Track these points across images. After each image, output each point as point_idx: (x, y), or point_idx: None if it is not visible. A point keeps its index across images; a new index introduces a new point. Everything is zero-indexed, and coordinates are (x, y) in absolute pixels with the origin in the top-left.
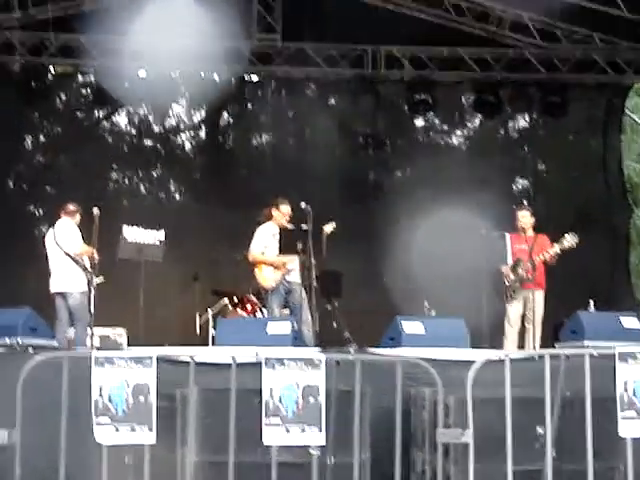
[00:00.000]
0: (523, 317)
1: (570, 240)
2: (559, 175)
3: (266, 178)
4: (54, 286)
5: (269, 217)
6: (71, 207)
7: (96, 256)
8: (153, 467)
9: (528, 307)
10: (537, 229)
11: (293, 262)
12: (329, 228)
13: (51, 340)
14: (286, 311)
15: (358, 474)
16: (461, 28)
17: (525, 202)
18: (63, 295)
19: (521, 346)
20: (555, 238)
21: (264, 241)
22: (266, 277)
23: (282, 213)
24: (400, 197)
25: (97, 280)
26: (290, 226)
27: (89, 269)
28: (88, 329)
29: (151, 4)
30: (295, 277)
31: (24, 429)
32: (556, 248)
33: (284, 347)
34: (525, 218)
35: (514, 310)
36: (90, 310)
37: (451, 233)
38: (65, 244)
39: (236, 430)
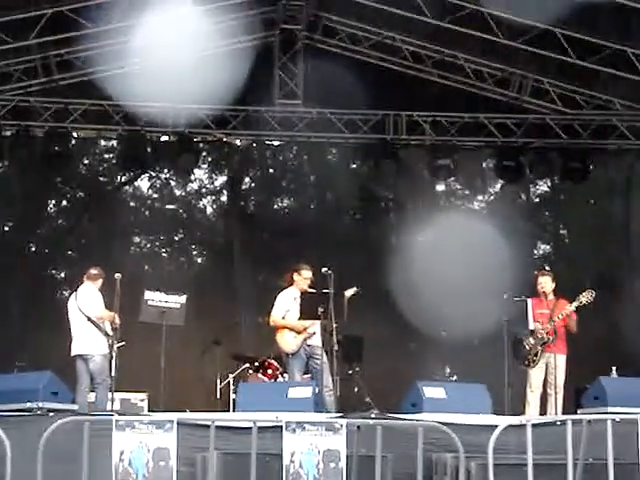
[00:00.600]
0: (545, 382)
1: (586, 296)
2: (580, 240)
3: (287, 242)
4: (75, 349)
5: (290, 282)
6: (93, 272)
7: (117, 320)
8: None
9: (550, 372)
10: (557, 294)
11: (314, 326)
12: (350, 292)
13: (72, 404)
14: (307, 376)
15: None
16: (482, 93)
17: (546, 267)
18: (84, 358)
19: (543, 412)
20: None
21: (285, 305)
22: (287, 341)
23: (303, 278)
24: (421, 261)
25: (118, 344)
26: (311, 290)
27: (110, 333)
28: (109, 393)
29: (173, 69)
30: (317, 341)
31: None
32: (573, 306)
33: (306, 412)
34: (546, 283)
35: (536, 375)
36: (111, 374)
37: (472, 298)
38: (87, 308)
39: None
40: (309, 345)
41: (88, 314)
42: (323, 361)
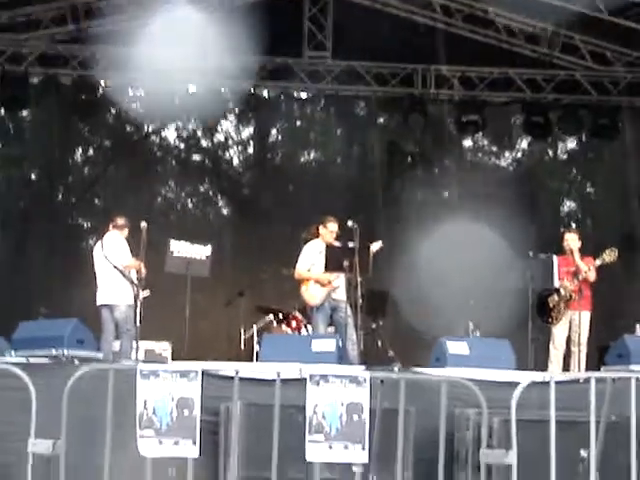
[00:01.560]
0: (568, 339)
1: (610, 255)
2: (607, 198)
3: (313, 195)
4: (101, 298)
5: (316, 235)
6: (120, 221)
7: (143, 270)
8: None
9: (573, 329)
10: (583, 251)
11: (339, 279)
12: (376, 247)
13: (97, 352)
14: (331, 329)
15: None
16: (512, 49)
17: (573, 225)
18: (110, 307)
19: (566, 369)
20: None
21: (311, 258)
22: (312, 294)
23: (329, 231)
24: (447, 218)
25: (143, 293)
26: (337, 243)
27: (136, 282)
28: (133, 342)
29: (204, 20)
30: (341, 295)
31: (69, 440)
32: (596, 263)
33: (329, 364)
34: (573, 241)
35: (559, 332)
36: (136, 323)
37: (498, 254)
38: (113, 257)
39: (279, 446)
40: (334, 299)
41: (114, 263)
42: (348, 315)
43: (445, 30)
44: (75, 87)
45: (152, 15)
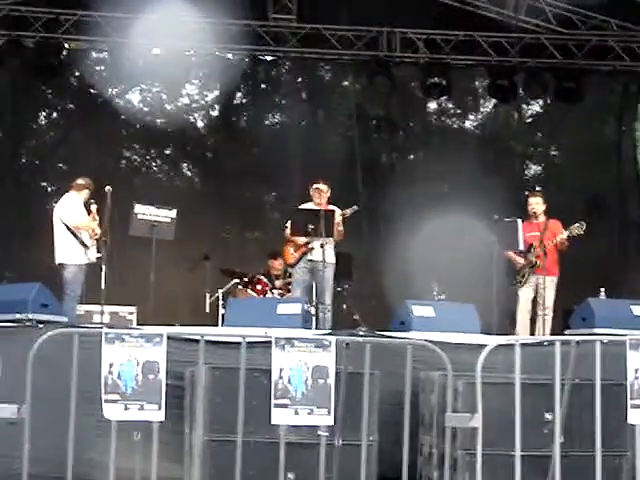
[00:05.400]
0: (534, 303)
1: (578, 227)
2: (572, 162)
3: (278, 158)
4: (56, 258)
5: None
6: (79, 181)
7: (97, 231)
8: (162, 444)
9: (539, 293)
10: (549, 215)
11: (316, 241)
12: (349, 211)
13: (61, 316)
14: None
15: (365, 456)
16: (477, 12)
17: (537, 188)
18: (62, 266)
19: (532, 332)
20: (566, 225)
21: None
22: (289, 254)
23: (314, 189)
24: (412, 181)
25: (94, 256)
26: (302, 207)
27: (87, 244)
28: (76, 304)
29: None
30: (317, 256)
31: (34, 404)
32: (564, 235)
33: (294, 328)
34: (537, 204)
35: (525, 295)
36: (101, 287)
37: (462, 218)
38: (65, 216)
39: (245, 409)
40: (310, 260)
41: (65, 222)
42: (324, 277)
43: None
44: (38, 50)
45: None
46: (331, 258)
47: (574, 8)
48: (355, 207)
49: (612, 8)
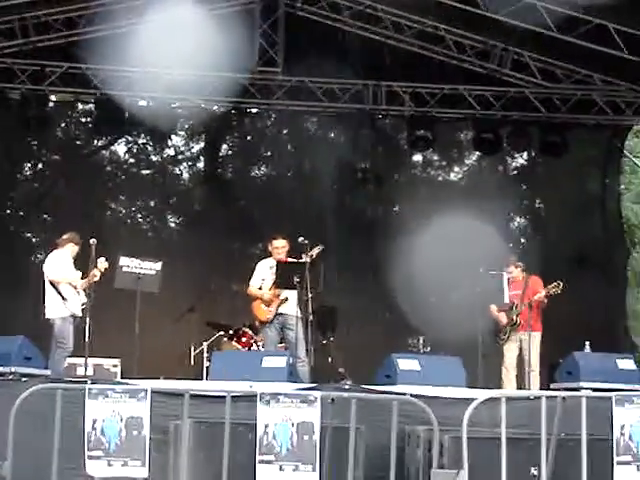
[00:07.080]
0: (520, 360)
1: (555, 287)
2: (557, 215)
3: (264, 210)
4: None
5: (268, 252)
6: (63, 237)
7: (79, 284)
8: None
9: (524, 349)
10: (530, 270)
11: (288, 293)
12: (315, 251)
13: (45, 369)
14: (282, 345)
15: None
16: (462, 66)
17: (518, 261)
18: (49, 321)
19: (518, 388)
20: (550, 278)
21: (262, 274)
22: (262, 310)
23: (274, 247)
24: (397, 233)
25: (77, 308)
26: (287, 260)
27: (66, 297)
28: (64, 358)
29: (153, 33)
30: (290, 310)
31: (15, 460)
32: (542, 294)
33: (279, 382)
34: (513, 273)
35: (509, 352)
36: (85, 339)
37: (448, 271)
38: (46, 271)
39: (229, 465)
40: (281, 314)
41: (46, 276)
42: (297, 331)
43: (396, 46)
44: (24, 101)
45: (102, 30)
46: (298, 311)
47: (558, 62)
48: (320, 246)
49: (596, 62)
